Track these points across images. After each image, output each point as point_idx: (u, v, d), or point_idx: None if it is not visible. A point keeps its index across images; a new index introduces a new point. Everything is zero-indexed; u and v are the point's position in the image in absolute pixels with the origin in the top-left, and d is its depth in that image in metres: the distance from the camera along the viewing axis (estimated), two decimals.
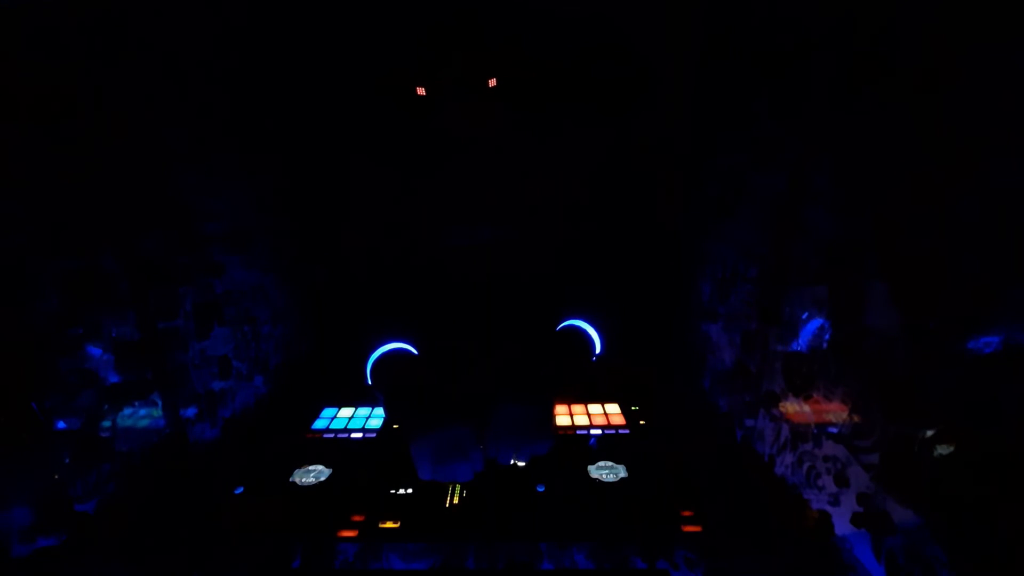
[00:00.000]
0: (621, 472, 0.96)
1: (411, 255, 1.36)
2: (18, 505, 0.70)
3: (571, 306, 1.34)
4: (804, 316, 0.84)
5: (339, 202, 1.43)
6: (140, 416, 0.90)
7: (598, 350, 1.27)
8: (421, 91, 1.16)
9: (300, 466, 1.00)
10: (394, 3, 1.22)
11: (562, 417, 1.20)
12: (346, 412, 1.25)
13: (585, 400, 1.27)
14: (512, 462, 0.96)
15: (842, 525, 0.75)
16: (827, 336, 0.79)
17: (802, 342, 0.85)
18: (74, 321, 0.78)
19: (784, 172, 0.89)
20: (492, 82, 1.14)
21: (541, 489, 0.91)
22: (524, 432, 0.95)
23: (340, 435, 1.14)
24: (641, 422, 1.17)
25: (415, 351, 1.19)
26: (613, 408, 1.25)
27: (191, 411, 1.03)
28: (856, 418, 0.72)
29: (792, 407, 0.88)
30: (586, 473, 0.96)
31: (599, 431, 1.13)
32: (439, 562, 0.76)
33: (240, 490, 0.93)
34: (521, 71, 1.20)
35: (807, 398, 0.83)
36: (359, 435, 1.14)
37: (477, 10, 1.14)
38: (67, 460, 0.76)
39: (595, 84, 1.33)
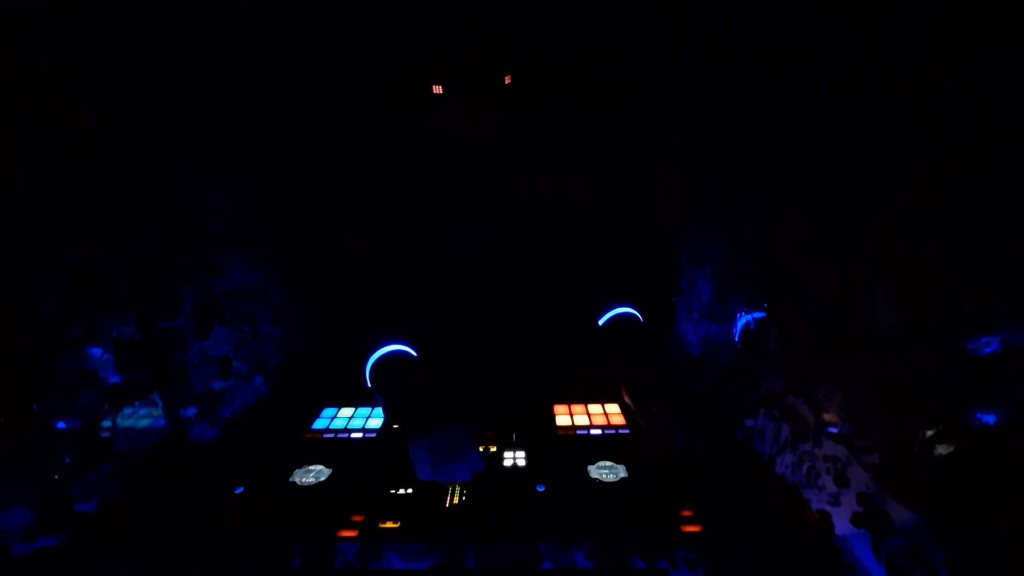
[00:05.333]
0: (621, 472, 0.96)
1: (411, 255, 1.36)
2: (18, 505, 0.70)
3: (572, 305, 1.34)
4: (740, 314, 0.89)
5: (339, 202, 1.43)
6: (140, 416, 0.90)
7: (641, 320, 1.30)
8: (438, 90, 1.16)
9: (300, 466, 1.00)
10: (394, 3, 1.22)
11: (562, 417, 1.20)
12: (346, 412, 1.25)
13: (588, 399, 1.28)
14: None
15: (842, 525, 0.75)
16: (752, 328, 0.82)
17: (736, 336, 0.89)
18: (74, 321, 0.78)
19: (784, 172, 0.89)
20: (507, 79, 1.14)
21: (541, 489, 0.91)
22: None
23: (340, 435, 1.14)
24: (641, 422, 1.17)
25: (414, 353, 1.19)
26: (613, 408, 1.25)
27: (191, 411, 1.03)
28: (856, 418, 0.72)
29: (792, 407, 0.88)
30: (586, 473, 0.96)
31: (599, 431, 1.13)
32: (439, 562, 0.76)
33: (240, 490, 0.93)
34: (521, 71, 1.20)
35: (807, 398, 0.83)
36: (359, 435, 1.14)
37: (477, 10, 1.14)
38: (67, 460, 0.76)
39: (595, 84, 1.33)
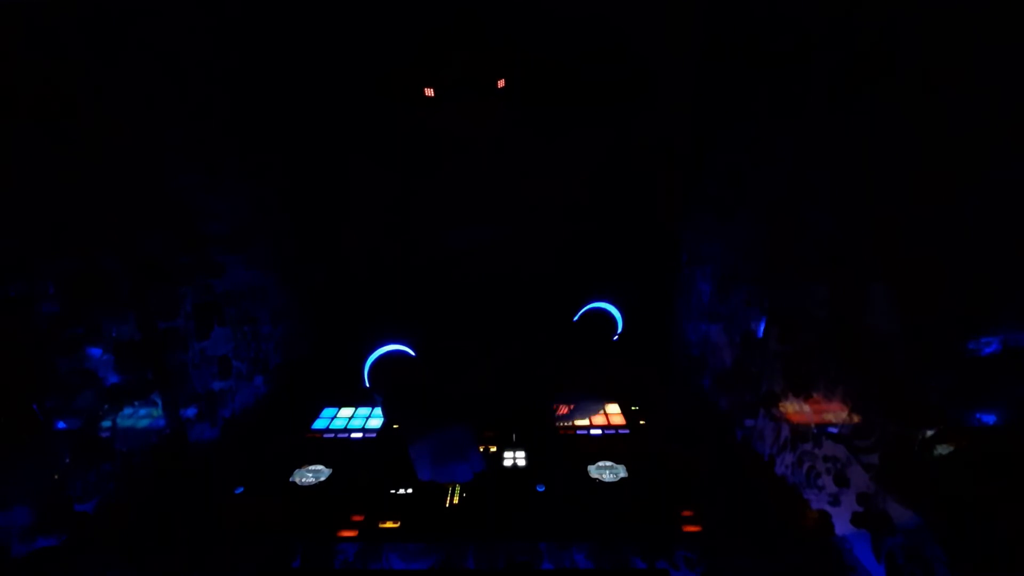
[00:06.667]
0: (621, 472, 0.96)
1: (411, 255, 1.36)
2: (18, 505, 0.70)
3: (572, 305, 1.34)
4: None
5: (339, 202, 1.43)
6: (140, 416, 0.90)
7: (619, 328, 1.30)
8: (429, 92, 1.16)
9: (300, 466, 1.00)
10: (395, 3, 1.22)
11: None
12: (346, 412, 1.25)
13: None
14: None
15: (842, 525, 0.75)
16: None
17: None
18: (74, 321, 0.78)
19: (784, 172, 0.90)
20: (501, 83, 1.14)
21: (541, 489, 0.91)
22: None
23: (340, 435, 1.14)
24: (641, 422, 1.17)
25: (412, 353, 1.19)
26: (613, 408, 1.25)
27: (191, 411, 1.03)
28: (856, 418, 0.72)
29: (792, 407, 0.88)
30: (586, 473, 0.96)
31: (599, 431, 1.13)
32: (439, 562, 0.76)
33: (240, 490, 0.93)
34: (521, 71, 1.20)
35: (807, 398, 0.83)
36: (359, 435, 1.14)
37: (477, 10, 1.14)
38: (67, 460, 0.76)
39: (595, 84, 1.33)
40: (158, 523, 0.85)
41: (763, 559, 0.75)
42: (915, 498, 0.62)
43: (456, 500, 0.89)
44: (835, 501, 0.76)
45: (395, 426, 1.14)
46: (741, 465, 1.00)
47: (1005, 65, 0.50)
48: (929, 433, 0.59)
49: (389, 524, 0.83)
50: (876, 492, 0.68)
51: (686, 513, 0.84)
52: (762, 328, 0.95)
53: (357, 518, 0.85)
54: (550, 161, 1.33)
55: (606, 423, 1.17)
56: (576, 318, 1.34)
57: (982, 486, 0.53)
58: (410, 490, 0.92)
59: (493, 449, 1.05)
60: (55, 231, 0.76)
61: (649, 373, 1.28)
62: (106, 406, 0.83)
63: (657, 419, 1.18)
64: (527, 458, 1.02)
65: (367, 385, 1.18)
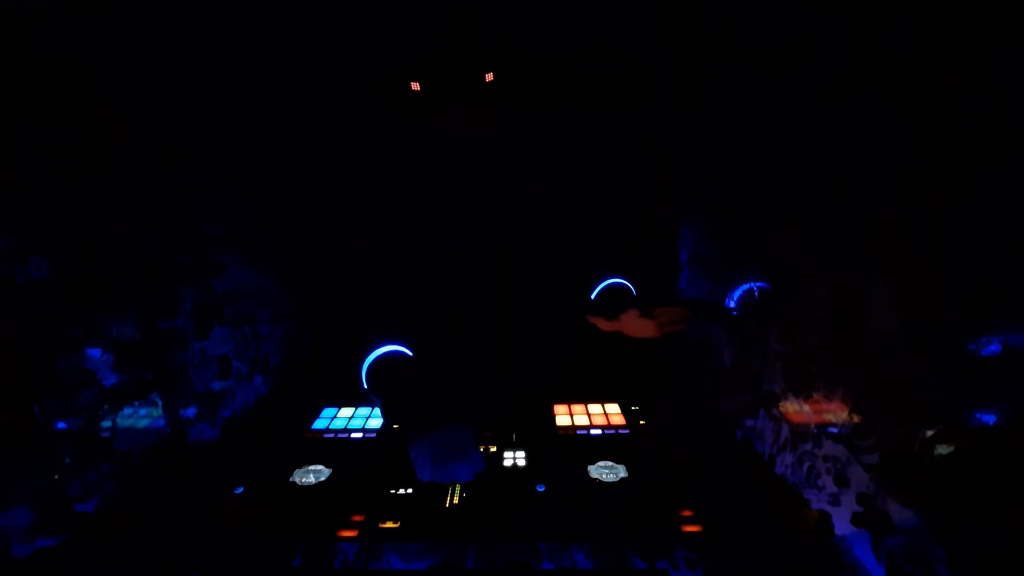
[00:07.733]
0: (621, 472, 0.96)
1: (411, 255, 1.36)
2: (18, 505, 0.70)
3: (572, 305, 1.34)
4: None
5: (339, 202, 1.43)
6: (140, 416, 0.90)
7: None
8: (415, 86, 1.16)
9: (300, 466, 1.00)
10: (395, 3, 1.22)
11: (562, 417, 1.20)
12: (346, 412, 1.25)
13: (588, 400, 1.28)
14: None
15: (842, 525, 0.75)
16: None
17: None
18: (74, 321, 0.78)
19: (784, 172, 0.90)
20: (488, 76, 1.14)
21: (541, 489, 0.91)
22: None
23: (340, 435, 1.14)
24: (641, 422, 1.17)
25: (409, 353, 1.19)
26: (613, 408, 1.25)
27: (191, 411, 1.03)
28: (856, 418, 0.72)
29: (792, 407, 0.88)
30: (586, 473, 0.96)
31: (599, 431, 1.13)
32: (439, 562, 0.76)
33: (240, 490, 0.93)
34: (521, 70, 1.20)
35: (807, 398, 0.83)
36: (359, 435, 1.14)
37: (478, 10, 1.14)
38: (67, 460, 0.76)
39: (595, 84, 1.33)
40: (158, 523, 0.85)
41: (763, 559, 0.75)
42: (915, 498, 0.62)
43: (456, 500, 0.89)
44: (835, 501, 0.76)
45: (395, 426, 1.14)
46: (741, 465, 1.00)
47: (1005, 65, 0.50)
48: (929, 433, 0.59)
49: (389, 524, 0.83)
50: (876, 492, 0.68)
51: (686, 513, 0.84)
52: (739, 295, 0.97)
53: (357, 518, 0.85)
54: (550, 161, 1.33)
55: (606, 423, 1.17)
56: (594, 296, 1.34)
57: (982, 486, 0.53)
58: (410, 490, 0.92)
59: (493, 449, 1.05)
60: (55, 231, 0.76)
61: (649, 373, 1.28)
62: (106, 406, 0.83)
63: (657, 419, 1.18)
64: (527, 458, 1.02)
65: (364, 387, 1.18)
